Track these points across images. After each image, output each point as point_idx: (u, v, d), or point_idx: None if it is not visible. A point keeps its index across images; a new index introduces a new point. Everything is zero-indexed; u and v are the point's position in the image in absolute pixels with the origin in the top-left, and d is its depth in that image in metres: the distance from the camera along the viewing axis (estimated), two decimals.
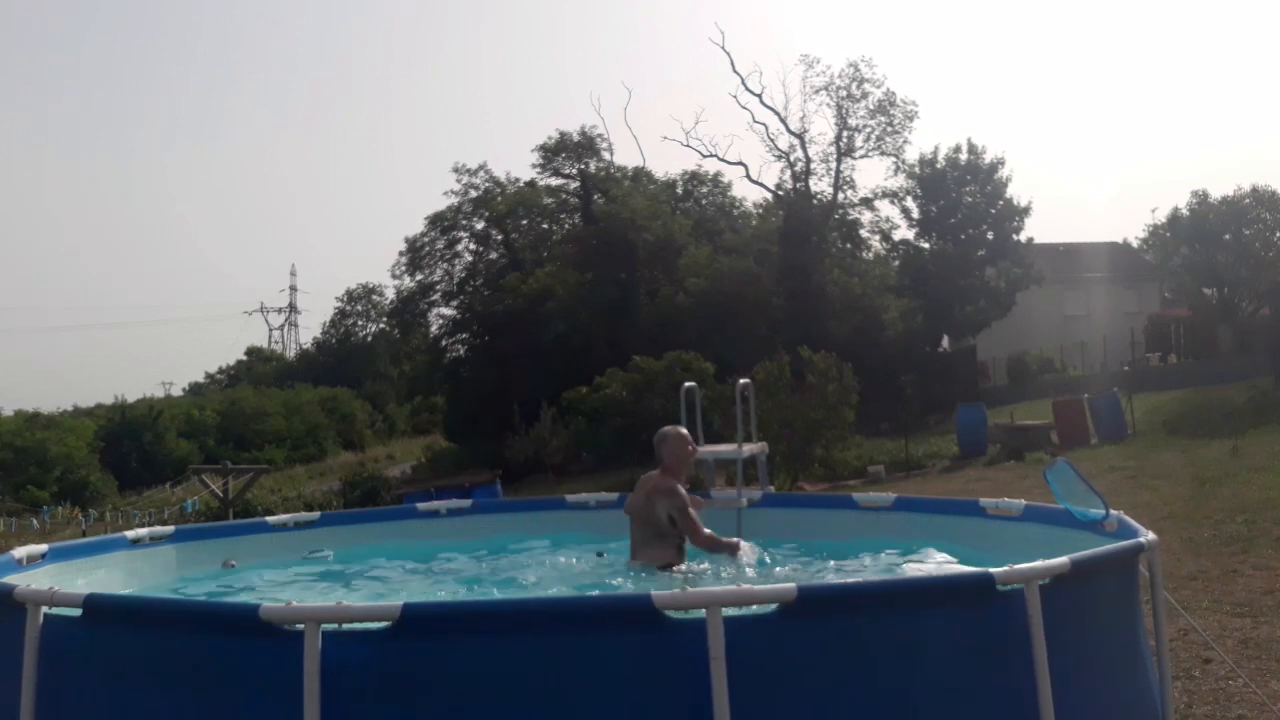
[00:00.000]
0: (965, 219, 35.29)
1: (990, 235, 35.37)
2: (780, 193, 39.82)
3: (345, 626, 2.98)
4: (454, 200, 46.29)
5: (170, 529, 6.47)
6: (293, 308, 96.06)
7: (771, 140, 39.36)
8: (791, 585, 3.02)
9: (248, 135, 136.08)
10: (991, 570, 3.20)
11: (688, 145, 65.04)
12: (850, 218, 39.89)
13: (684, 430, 5.89)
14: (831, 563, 5.61)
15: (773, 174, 66.40)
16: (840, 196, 39.21)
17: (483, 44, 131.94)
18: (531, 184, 46.57)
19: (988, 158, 35.36)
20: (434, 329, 47.76)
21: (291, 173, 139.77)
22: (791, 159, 39.32)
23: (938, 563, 5.32)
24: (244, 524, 7.97)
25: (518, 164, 69.64)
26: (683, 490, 5.65)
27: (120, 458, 55.13)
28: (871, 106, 38.21)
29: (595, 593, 4.71)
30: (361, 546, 6.60)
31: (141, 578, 5.72)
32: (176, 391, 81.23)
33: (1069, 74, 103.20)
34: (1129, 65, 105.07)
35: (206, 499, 31.59)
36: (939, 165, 35.84)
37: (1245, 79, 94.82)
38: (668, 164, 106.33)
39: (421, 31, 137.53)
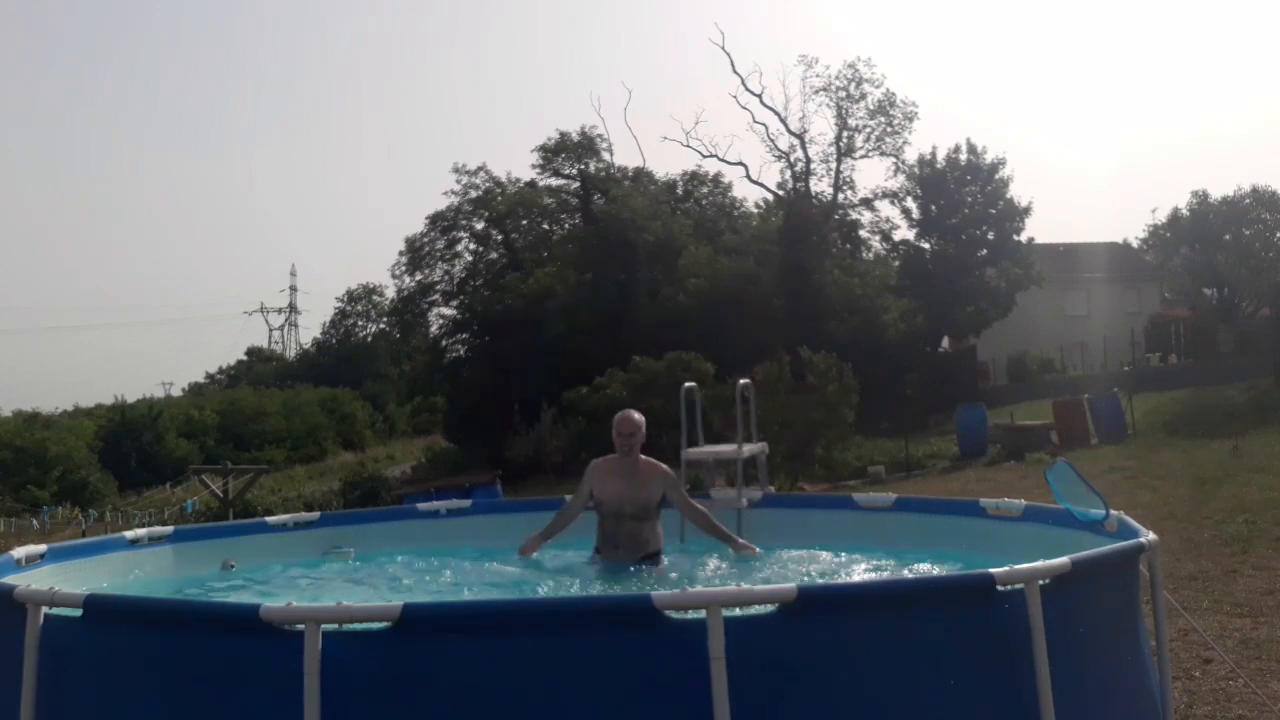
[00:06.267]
0: (965, 219, 35.31)
1: (990, 235, 35.38)
2: (780, 193, 39.82)
3: (345, 626, 2.98)
4: (454, 200, 46.30)
5: (169, 529, 6.48)
6: (293, 308, 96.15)
7: (771, 140, 39.40)
8: (791, 585, 3.03)
9: (248, 135, 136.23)
10: (991, 570, 3.20)
11: (688, 145, 64.92)
12: (850, 218, 39.91)
13: (623, 414, 5.92)
14: (831, 562, 5.62)
15: (773, 174, 66.45)
16: (840, 197, 39.23)
17: (483, 44, 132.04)
18: (531, 184, 46.55)
19: (988, 158, 35.41)
20: (434, 329, 47.75)
21: (292, 172, 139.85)
22: (791, 159, 39.35)
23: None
24: (243, 524, 7.99)
25: (518, 164, 69.44)
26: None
27: (120, 458, 55.04)
28: (871, 107, 38.24)
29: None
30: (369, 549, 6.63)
31: (141, 578, 5.72)
32: (176, 391, 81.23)
33: (1069, 74, 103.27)
34: (1129, 65, 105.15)
35: (206, 499, 31.59)
36: (939, 165, 35.86)
37: (1245, 79, 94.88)
38: (668, 164, 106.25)
39: (422, 31, 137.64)
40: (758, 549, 5.80)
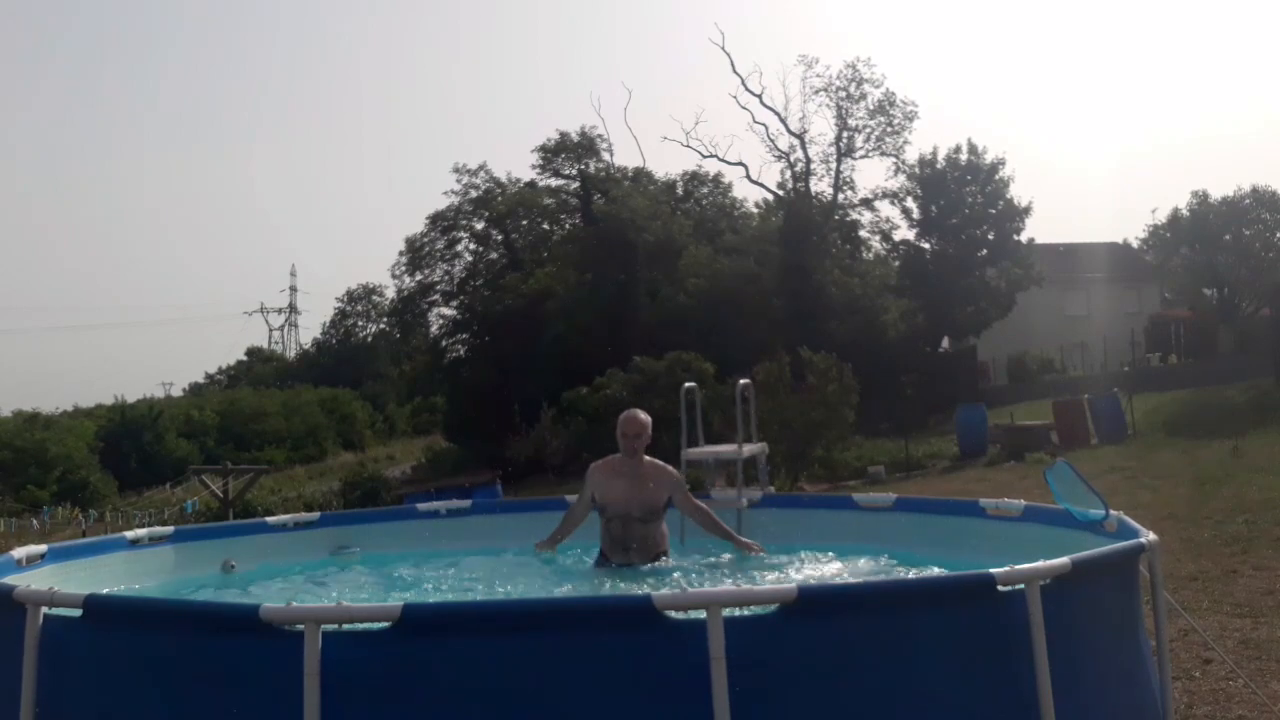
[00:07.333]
0: (966, 219, 35.33)
1: (991, 235, 35.40)
2: (781, 193, 39.83)
3: (345, 626, 2.98)
4: (454, 200, 46.34)
5: (170, 529, 6.47)
6: (293, 308, 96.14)
7: (771, 141, 39.42)
8: (791, 585, 3.03)
9: (248, 135, 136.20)
10: (992, 570, 3.20)
11: (688, 145, 65.06)
12: (850, 218, 39.91)
13: (629, 413, 5.79)
14: (831, 562, 5.61)
15: (773, 174, 66.46)
16: (840, 197, 39.24)
17: (483, 44, 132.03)
18: (532, 184, 46.57)
19: (988, 158, 35.44)
20: (434, 329, 47.80)
21: (292, 172, 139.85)
22: (792, 159, 39.38)
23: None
24: (243, 524, 7.98)
25: (518, 164, 69.48)
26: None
27: (120, 458, 55.02)
28: (871, 107, 38.27)
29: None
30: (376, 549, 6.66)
31: (141, 578, 5.72)
32: (176, 391, 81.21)
33: (1069, 74, 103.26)
34: (1129, 65, 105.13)
35: (206, 499, 31.60)
36: (939, 166, 35.87)
37: (1245, 79, 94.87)
38: (668, 164, 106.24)
39: (422, 32, 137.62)
40: (761, 548, 5.75)
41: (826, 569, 5.51)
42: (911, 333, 34.21)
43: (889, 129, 38.25)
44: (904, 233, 38.32)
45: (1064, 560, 3.34)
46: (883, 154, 38.58)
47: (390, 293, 54.24)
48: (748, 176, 42.28)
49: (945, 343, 38.40)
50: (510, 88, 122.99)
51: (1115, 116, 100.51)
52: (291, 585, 5.69)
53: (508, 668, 2.92)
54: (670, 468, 5.89)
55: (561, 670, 2.92)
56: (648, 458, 5.75)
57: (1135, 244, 47.10)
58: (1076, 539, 4.43)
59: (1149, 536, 3.92)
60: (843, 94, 38.19)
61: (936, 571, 5.01)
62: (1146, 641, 3.90)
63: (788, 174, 39.65)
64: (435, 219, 46.40)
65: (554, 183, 46.40)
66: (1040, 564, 3.29)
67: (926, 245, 36.73)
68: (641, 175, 45.42)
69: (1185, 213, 39.46)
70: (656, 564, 5.61)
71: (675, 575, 5.54)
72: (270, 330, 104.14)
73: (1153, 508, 10.99)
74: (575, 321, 36.62)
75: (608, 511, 5.64)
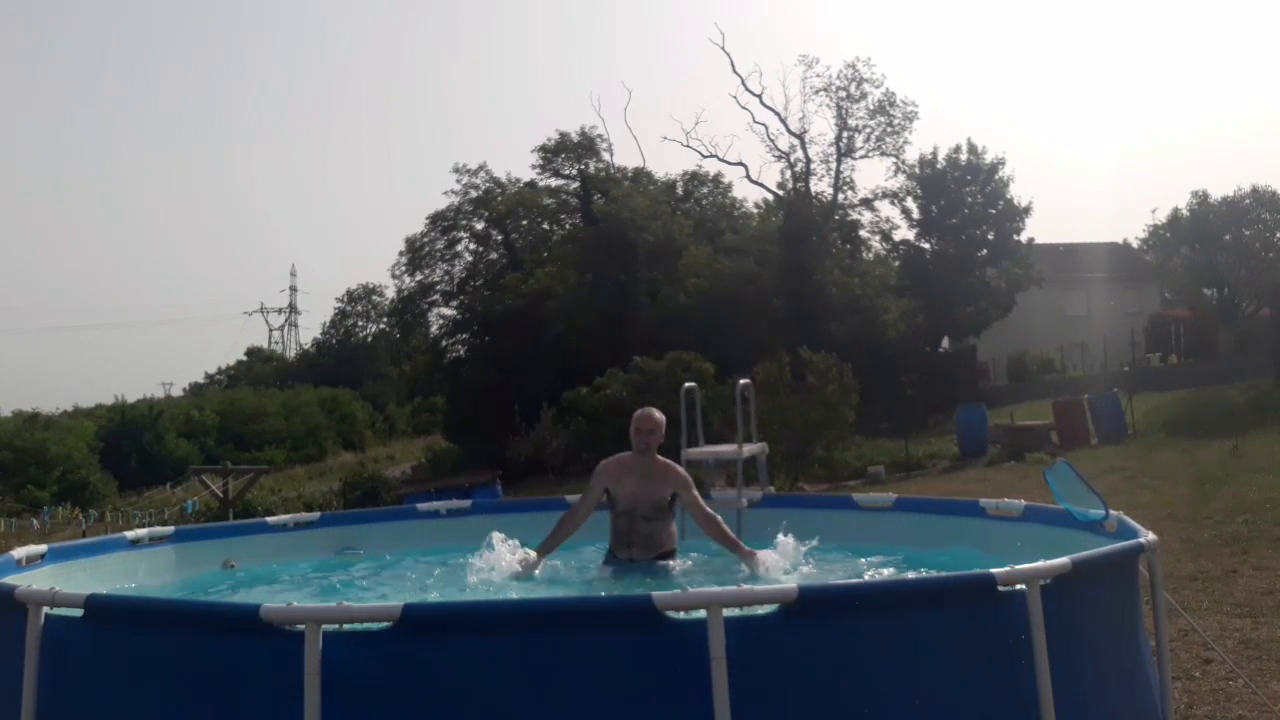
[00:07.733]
0: (966, 219, 35.31)
1: (991, 235, 35.39)
2: (780, 193, 39.82)
3: (345, 626, 2.98)
4: (454, 200, 46.35)
5: (170, 529, 6.48)
6: (293, 308, 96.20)
7: (771, 141, 39.40)
8: (792, 585, 3.03)
9: (248, 135, 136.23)
10: (992, 570, 3.20)
11: (688, 146, 65.12)
12: (850, 218, 39.89)
13: (644, 411, 5.79)
14: (832, 562, 5.61)
15: (773, 174, 66.44)
16: (840, 197, 39.23)
17: (483, 44, 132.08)
18: (531, 184, 46.57)
19: (988, 158, 35.41)
20: (434, 329, 47.81)
21: (292, 172, 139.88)
22: (792, 159, 39.37)
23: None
24: (243, 524, 7.99)
25: (518, 164, 69.56)
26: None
27: (120, 458, 55.05)
28: (871, 107, 38.26)
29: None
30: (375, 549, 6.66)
31: (141, 578, 5.72)
32: (176, 391, 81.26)
33: (1069, 74, 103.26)
34: (1129, 65, 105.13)
35: (206, 499, 31.61)
36: (939, 166, 35.85)
37: (1245, 79, 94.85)
38: (668, 164, 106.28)
39: (422, 32, 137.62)
40: (766, 564, 5.47)
41: (828, 569, 5.50)
42: (911, 333, 34.20)
43: (889, 129, 38.28)
44: (904, 233, 38.37)
45: (1064, 560, 3.34)
46: (883, 154, 38.63)
47: (390, 293, 54.34)
48: (748, 176, 42.31)
49: (945, 343, 38.38)
50: (510, 88, 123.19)
51: (1115, 116, 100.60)
52: (292, 585, 5.69)
53: (508, 668, 2.92)
54: (679, 467, 5.90)
55: (561, 670, 2.92)
56: (659, 457, 5.77)
57: (1135, 244, 47.07)
58: (1076, 539, 4.43)
59: (1149, 536, 3.92)
60: (843, 94, 38.23)
61: (936, 571, 5.02)
62: (1146, 641, 3.90)
63: (788, 174, 39.70)
64: (435, 219, 46.41)
65: (554, 183, 46.44)
66: (1040, 564, 3.29)
67: (926, 245, 36.72)
68: (641, 175, 45.42)
69: (1185, 213, 39.45)
70: (660, 563, 5.60)
71: (676, 574, 5.54)
72: (270, 330, 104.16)
73: (1153, 508, 10.99)
74: (575, 321, 36.61)
75: (617, 507, 5.68)
